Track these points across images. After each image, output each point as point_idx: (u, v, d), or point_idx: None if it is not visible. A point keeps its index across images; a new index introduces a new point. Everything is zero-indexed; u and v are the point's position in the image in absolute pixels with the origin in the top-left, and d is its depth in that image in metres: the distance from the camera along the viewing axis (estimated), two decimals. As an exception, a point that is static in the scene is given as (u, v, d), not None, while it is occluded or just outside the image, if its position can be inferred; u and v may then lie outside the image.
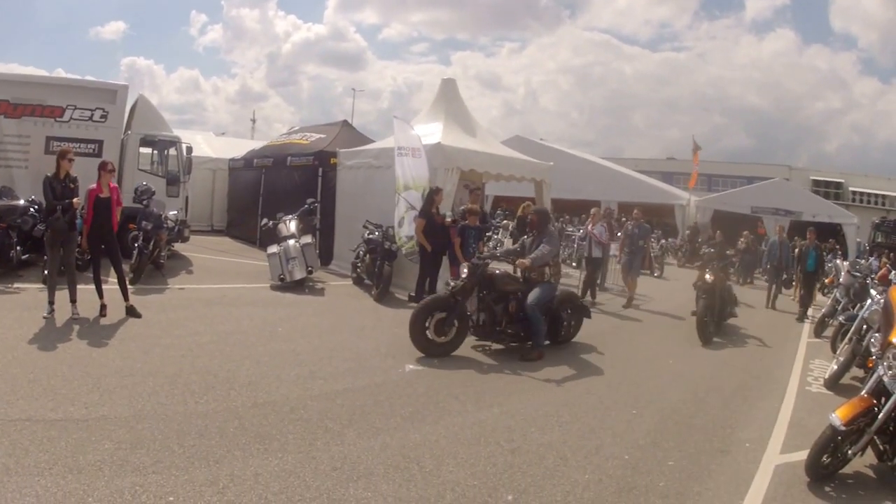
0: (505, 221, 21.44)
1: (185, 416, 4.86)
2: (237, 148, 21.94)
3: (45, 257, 7.94)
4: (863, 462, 4.94)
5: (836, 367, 7.74)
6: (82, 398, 4.97)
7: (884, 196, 43.06)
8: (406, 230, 10.40)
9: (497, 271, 7.67)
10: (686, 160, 35.48)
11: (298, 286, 10.87)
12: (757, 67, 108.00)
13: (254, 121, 61.87)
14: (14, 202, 10.03)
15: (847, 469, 4.84)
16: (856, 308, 9.24)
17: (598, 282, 14.83)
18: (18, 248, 9.56)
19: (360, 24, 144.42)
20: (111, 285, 7.91)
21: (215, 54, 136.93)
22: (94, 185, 7.70)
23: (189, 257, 13.45)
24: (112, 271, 7.91)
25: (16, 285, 8.76)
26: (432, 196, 9.90)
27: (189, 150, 14.64)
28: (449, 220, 10.06)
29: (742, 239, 19.49)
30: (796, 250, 13.83)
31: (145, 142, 14.05)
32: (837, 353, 8.32)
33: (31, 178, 11.43)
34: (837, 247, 24.59)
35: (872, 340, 6.57)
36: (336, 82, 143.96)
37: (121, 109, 13.38)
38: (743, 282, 19.22)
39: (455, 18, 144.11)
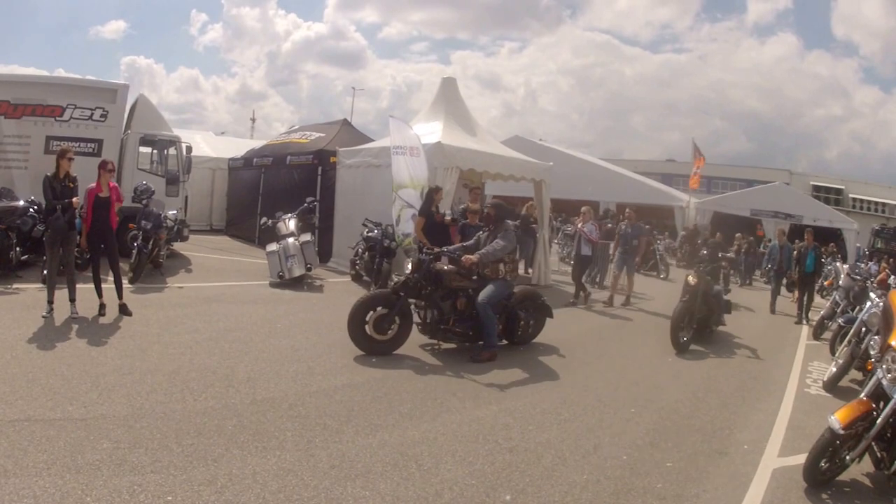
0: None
1: (184, 414, 4.86)
2: (237, 147, 21.96)
3: (45, 257, 7.93)
4: (860, 469, 4.92)
5: (834, 369, 7.75)
6: (81, 397, 4.96)
7: (884, 204, 43.05)
8: (403, 227, 10.41)
9: (446, 267, 7.35)
10: (686, 162, 35.50)
11: (297, 283, 10.88)
12: (758, 71, 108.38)
13: (253, 120, 61.97)
14: (13, 203, 10.03)
15: (844, 476, 4.82)
16: (855, 311, 9.24)
17: (598, 280, 14.88)
18: (18, 248, 9.55)
19: (360, 23, 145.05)
20: (110, 284, 7.90)
21: (215, 53, 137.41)
22: (93, 185, 7.71)
23: (188, 256, 13.45)
24: (110, 270, 7.91)
25: (15, 286, 8.75)
26: (432, 195, 9.90)
27: (189, 149, 14.64)
28: (448, 218, 10.05)
29: (736, 241, 19.52)
30: (795, 252, 13.78)
31: (145, 141, 14.05)
32: (836, 355, 8.33)
33: (30, 178, 11.42)
34: (836, 250, 24.59)
35: (871, 343, 6.58)
36: (336, 81, 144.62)
37: (121, 109, 13.39)
38: (742, 283, 19.26)
39: (455, 18, 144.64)
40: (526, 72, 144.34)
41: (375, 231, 10.89)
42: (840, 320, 9.09)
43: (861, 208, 42.85)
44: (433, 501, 3.93)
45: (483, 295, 7.19)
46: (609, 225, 16.02)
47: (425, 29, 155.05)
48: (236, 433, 4.59)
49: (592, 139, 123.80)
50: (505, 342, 7.83)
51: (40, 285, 8.49)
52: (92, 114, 12.77)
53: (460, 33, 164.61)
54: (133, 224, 10.59)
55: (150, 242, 10.40)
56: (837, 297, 10.77)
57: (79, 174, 7.75)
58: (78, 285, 7.60)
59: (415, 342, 7.39)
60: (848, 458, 4.66)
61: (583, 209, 12.65)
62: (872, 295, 8.20)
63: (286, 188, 15.28)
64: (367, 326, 6.87)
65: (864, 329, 7.66)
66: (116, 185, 8.12)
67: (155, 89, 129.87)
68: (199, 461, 4.11)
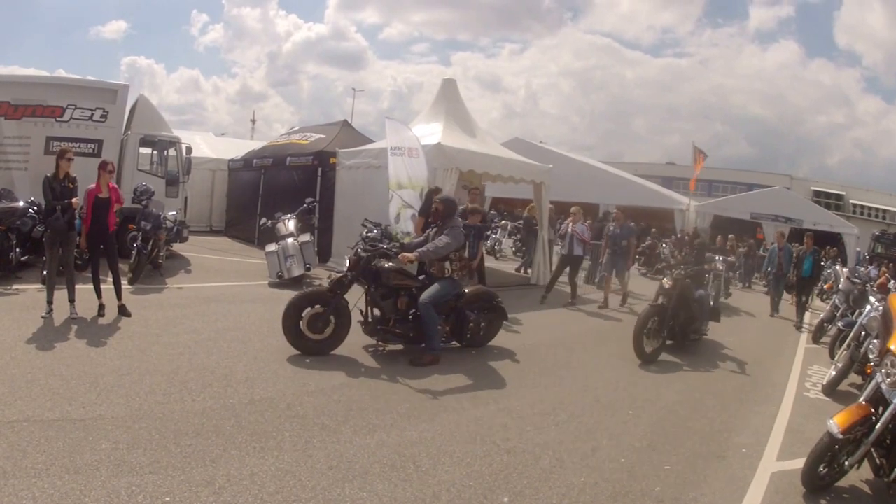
0: (504, 222, 21.49)
1: (182, 414, 4.86)
2: (237, 148, 21.96)
3: (44, 258, 7.93)
4: (859, 476, 4.92)
5: (834, 373, 7.75)
6: (80, 398, 4.96)
7: (884, 210, 43.09)
8: (403, 226, 10.42)
9: (386, 264, 6.97)
10: (686, 166, 35.48)
11: (296, 283, 10.87)
12: (759, 77, 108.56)
13: (253, 121, 62.08)
14: (13, 204, 10.02)
15: (843, 483, 4.82)
16: (854, 314, 9.25)
17: (596, 280, 14.90)
18: (18, 249, 9.55)
19: (361, 24, 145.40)
20: (109, 285, 7.90)
21: (216, 54, 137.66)
22: (93, 186, 7.71)
23: (188, 257, 13.45)
24: (109, 271, 7.91)
25: (15, 287, 8.75)
26: (431, 196, 9.90)
27: (189, 150, 14.65)
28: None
29: (729, 243, 19.49)
30: (795, 255, 13.73)
31: (145, 142, 14.05)
32: (836, 359, 8.34)
33: (30, 179, 11.42)
34: (837, 254, 24.60)
35: (871, 347, 6.57)
36: (336, 82, 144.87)
37: (121, 109, 13.39)
38: (742, 286, 19.28)
39: (456, 19, 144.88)
40: (527, 74, 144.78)
41: (375, 231, 10.85)
42: (839, 324, 9.10)
43: (861, 214, 42.88)
44: (431, 503, 3.93)
45: (425, 294, 6.91)
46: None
47: (426, 30, 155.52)
48: (234, 434, 4.59)
49: (593, 142, 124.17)
50: (456, 344, 7.59)
51: (40, 286, 8.49)
52: (92, 114, 12.77)
53: (461, 34, 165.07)
54: (133, 225, 10.60)
55: (150, 243, 10.40)
56: (837, 301, 10.76)
57: (79, 175, 7.75)
58: (77, 286, 7.60)
59: (360, 342, 7.17)
60: (847, 463, 4.65)
61: (573, 209, 12.52)
62: (872, 299, 8.21)
63: (286, 189, 15.28)
64: (301, 325, 6.63)
65: (863, 333, 7.67)
66: (116, 186, 8.12)
67: (155, 90, 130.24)
68: (198, 462, 4.11)
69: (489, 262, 13.80)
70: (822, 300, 17.16)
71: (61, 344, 6.39)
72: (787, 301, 15.18)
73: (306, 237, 11.46)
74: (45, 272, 7.87)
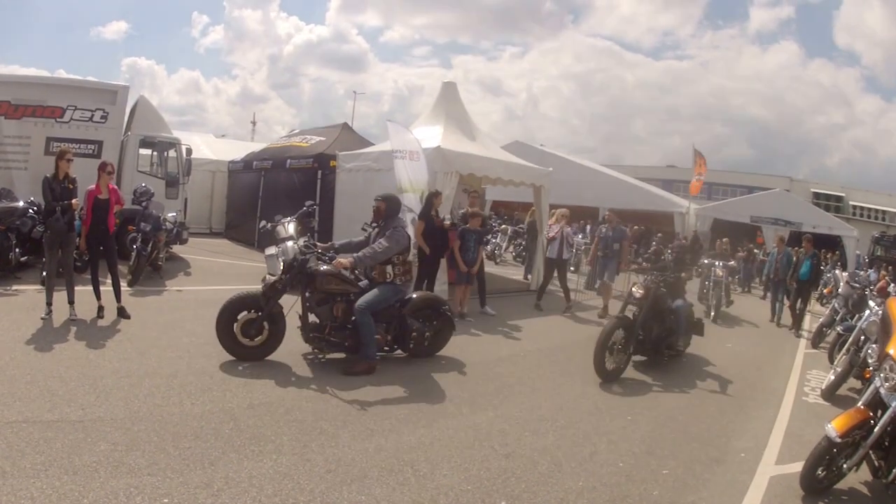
0: (504, 226, 21.49)
1: (181, 417, 4.87)
2: (237, 150, 21.97)
3: (44, 258, 7.94)
4: (858, 478, 4.93)
5: (833, 377, 7.74)
6: (79, 399, 4.97)
7: (884, 211, 43.10)
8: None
9: (322, 268, 6.63)
10: (686, 168, 35.50)
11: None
12: (760, 79, 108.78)
13: (254, 123, 62.03)
14: (13, 204, 10.03)
15: (842, 485, 4.83)
16: (854, 319, 9.25)
17: (597, 286, 14.84)
18: (17, 249, 9.56)
19: (363, 27, 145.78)
20: (108, 287, 7.91)
21: (216, 55, 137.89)
22: (92, 187, 7.72)
23: (187, 259, 13.45)
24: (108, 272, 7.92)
25: (14, 287, 8.76)
26: (431, 199, 9.91)
27: (189, 151, 14.67)
28: (448, 223, 10.05)
29: (724, 247, 19.47)
30: (794, 259, 13.59)
31: (145, 143, 14.08)
32: (835, 363, 8.34)
33: (30, 179, 11.42)
34: (838, 259, 24.63)
35: (870, 352, 6.58)
36: (337, 85, 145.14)
37: (121, 110, 13.41)
38: (741, 290, 19.27)
39: (457, 22, 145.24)
40: (527, 77, 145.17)
41: (374, 236, 10.89)
42: (839, 328, 9.11)
43: (861, 215, 42.90)
44: (429, 507, 3.92)
45: (362, 299, 6.54)
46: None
47: (427, 33, 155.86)
48: (233, 437, 4.60)
49: (594, 144, 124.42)
50: (400, 353, 7.19)
51: (39, 287, 8.49)
52: (92, 115, 12.79)
53: (462, 37, 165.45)
54: (132, 226, 10.59)
55: (150, 245, 10.39)
56: (836, 305, 10.76)
57: (78, 176, 7.75)
58: (77, 287, 7.60)
59: (299, 349, 6.87)
60: (845, 466, 4.66)
61: (560, 211, 12.27)
62: (871, 303, 8.21)
63: (286, 191, 15.29)
64: (235, 330, 6.39)
65: (862, 337, 7.67)
66: (116, 187, 8.13)
67: (156, 91, 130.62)
68: (196, 464, 4.11)
69: (489, 268, 13.76)
70: (822, 304, 17.16)
71: (60, 345, 6.39)
72: (788, 306, 15.16)
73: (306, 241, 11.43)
74: (44, 273, 7.88)
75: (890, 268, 21.12)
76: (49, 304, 7.29)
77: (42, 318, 7.15)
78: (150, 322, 7.70)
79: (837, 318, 10.27)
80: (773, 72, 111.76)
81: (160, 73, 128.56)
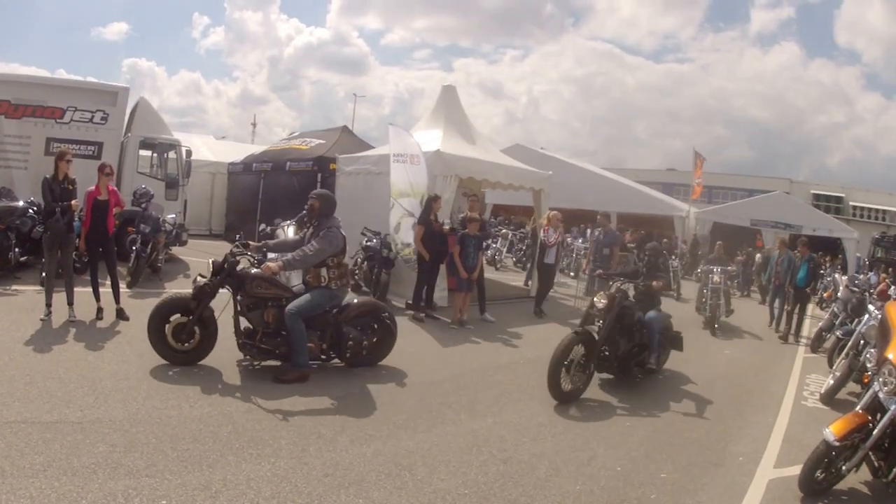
0: (504, 231, 21.45)
1: (180, 419, 4.87)
2: (237, 152, 21.93)
3: (44, 259, 7.94)
4: (857, 478, 4.94)
5: (832, 381, 7.74)
6: (78, 401, 4.98)
7: (884, 211, 43.08)
8: (403, 236, 10.39)
9: (253, 270, 6.30)
10: (687, 171, 35.48)
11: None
12: (761, 80, 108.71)
13: (254, 125, 61.97)
14: (13, 203, 10.05)
15: (842, 485, 4.84)
16: (853, 323, 9.24)
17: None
18: (17, 249, 9.57)
19: (363, 29, 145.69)
20: (107, 288, 7.91)
21: (217, 57, 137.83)
22: (92, 188, 7.72)
23: (186, 261, 13.46)
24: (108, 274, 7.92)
25: (14, 287, 8.76)
26: (430, 203, 9.89)
27: (188, 153, 14.69)
28: (447, 228, 10.04)
29: (717, 252, 19.34)
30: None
31: (145, 144, 14.11)
32: (834, 367, 8.32)
33: (30, 179, 11.46)
34: (839, 264, 24.60)
35: (868, 356, 6.57)
36: (338, 87, 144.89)
37: (121, 111, 13.45)
38: (741, 294, 19.19)
39: (458, 25, 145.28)
40: (528, 80, 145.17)
41: (374, 241, 10.87)
42: (838, 332, 9.09)
43: (861, 216, 42.88)
44: (427, 510, 3.93)
45: (293, 304, 6.20)
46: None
47: (428, 36, 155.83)
48: (231, 440, 4.61)
49: (595, 147, 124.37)
50: (338, 362, 6.76)
51: (39, 287, 8.48)
52: (92, 116, 12.83)
53: (463, 41, 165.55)
54: (132, 227, 10.60)
55: (149, 246, 10.40)
56: (836, 309, 10.74)
57: (78, 177, 7.76)
58: (76, 289, 7.60)
59: (237, 354, 6.48)
60: (844, 468, 4.69)
61: (551, 213, 12.09)
62: (871, 307, 8.19)
63: (285, 194, 15.28)
64: (166, 333, 6.13)
65: (862, 341, 7.67)
66: (116, 189, 8.13)
67: (156, 92, 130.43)
68: (194, 466, 4.13)
69: (489, 274, 13.76)
70: (822, 308, 17.13)
71: (59, 347, 6.40)
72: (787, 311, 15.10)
73: (305, 244, 11.43)
74: (43, 274, 7.88)
75: (890, 270, 21.09)
76: (48, 305, 7.30)
77: (41, 320, 7.16)
78: (149, 324, 7.68)
79: (837, 323, 10.23)
80: (774, 73, 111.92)
81: (161, 75, 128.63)
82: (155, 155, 14.89)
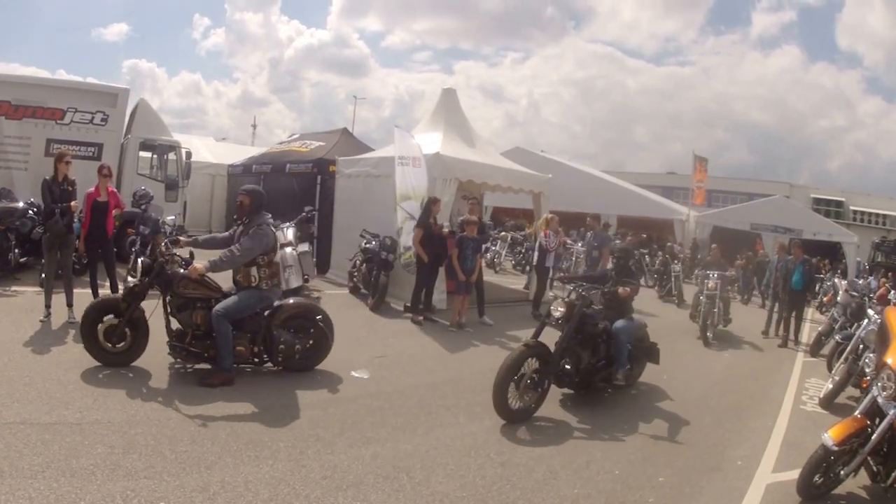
0: (503, 234, 21.44)
1: (178, 421, 4.88)
2: (237, 154, 21.94)
3: (43, 261, 7.94)
4: (856, 483, 4.93)
5: (831, 386, 7.73)
6: (77, 402, 4.99)
7: (884, 216, 43.05)
8: (406, 240, 10.40)
9: (182, 270, 6.02)
10: (686, 175, 35.50)
11: (294, 294, 10.81)
12: (761, 84, 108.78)
13: (254, 126, 61.90)
14: (13, 204, 10.05)
15: (840, 489, 4.84)
16: (853, 327, 9.24)
17: None
18: (17, 250, 9.57)
19: (364, 31, 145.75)
20: (106, 289, 7.91)
21: (217, 58, 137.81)
22: (92, 189, 7.74)
23: (187, 262, 13.41)
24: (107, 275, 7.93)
25: (13, 288, 8.77)
26: (430, 206, 9.90)
27: (188, 155, 14.71)
28: (446, 230, 10.04)
29: (711, 253, 19.21)
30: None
31: (145, 146, 14.13)
32: (833, 371, 8.32)
33: (30, 179, 11.46)
34: (831, 267, 24.60)
35: (867, 361, 6.58)
36: (338, 89, 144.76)
37: (121, 113, 13.44)
38: (741, 299, 19.11)
39: (459, 27, 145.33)
40: (529, 82, 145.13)
41: (373, 243, 10.87)
42: (837, 337, 9.09)
43: (862, 221, 42.85)
44: (424, 513, 3.93)
45: (220, 305, 5.95)
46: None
47: (428, 38, 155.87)
48: (229, 442, 4.61)
49: (595, 150, 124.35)
50: (272, 366, 6.47)
51: (38, 289, 8.48)
52: (92, 117, 12.82)
53: (463, 43, 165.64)
54: (131, 229, 10.61)
55: (148, 248, 10.39)
56: (835, 314, 10.74)
57: (78, 178, 7.77)
58: (75, 290, 7.60)
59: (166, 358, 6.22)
60: (842, 472, 4.68)
61: (548, 216, 11.97)
62: (870, 311, 8.20)
63: (285, 196, 15.24)
64: (99, 334, 5.92)
65: (861, 346, 7.67)
66: (115, 190, 8.15)
67: (157, 93, 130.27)
68: (193, 468, 4.13)
69: (488, 277, 13.75)
70: (822, 313, 17.11)
71: (58, 348, 6.41)
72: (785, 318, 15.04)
73: (305, 247, 11.41)
74: (43, 275, 7.88)
75: (890, 274, 21.03)
76: (48, 306, 7.31)
77: (41, 321, 7.17)
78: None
79: (836, 327, 10.23)
80: (775, 76, 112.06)
81: (161, 76, 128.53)
82: (155, 156, 14.90)
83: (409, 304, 10.21)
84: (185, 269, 6.00)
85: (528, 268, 16.31)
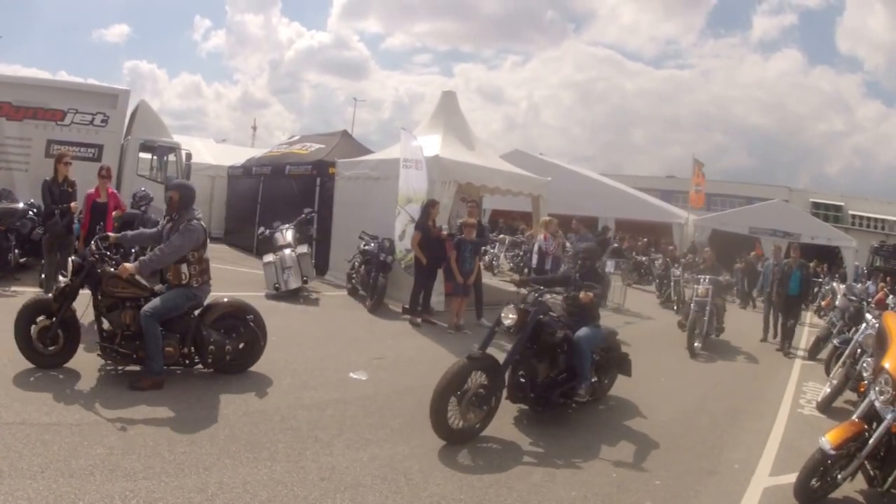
0: (501, 236, 21.45)
1: (177, 422, 4.89)
2: (237, 155, 21.99)
3: (43, 261, 7.94)
4: (853, 487, 4.95)
5: (829, 390, 7.76)
6: (76, 403, 4.99)
7: (883, 220, 43.16)
8: (406, 243, 10.43)
9: (111, 269, 5.74)
10: (685, 179, 35.56)
11: (293, 296, 10.87)
12: (761, 87, 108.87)
13: (254, 128, 61.98)
14: (13, 205, 10.07)
15: (837, 494, 4.86)
16: (851, 331, 9.26)
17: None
18: (16, 251, 9.58)
19: (364, 33, 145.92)
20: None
21: (218, 60, 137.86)
22: (92, 190, 7.76)
23: (186, 264, 13.41)
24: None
25: (13, 288, 8.76)
26: (428, 209, 9.92)
27: (188, 156, 14.79)
28: (445, 233, 10.06)
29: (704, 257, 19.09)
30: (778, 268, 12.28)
31: (145, 147, 14.21)
32: (831, 375, 8.34)
33: (30, 180, 11.49)
34: (828, 271, 24.65)
35: (865, 365, 6.60)
36: (338, 91, 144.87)
37: (122, 114, 13.52)
38: (744, 305, 19.01)
39: (459, 30, 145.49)
40: (528, 85, 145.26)
41: (372, 245, 10.90)
42: (835, 341, 9.11)
43: (860, 225, 42.94)
44: (422, 515, 3.94)
45: (148, 305, 5.70)
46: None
47: (429, 41, 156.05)
48: (228, 443, 4.62)
49: (593, 153, 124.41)
50: (203, 368, 6.18)
51: (38, 289, 8.47)
52: (93, 119, 12.89)
53: (463, 46, 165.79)
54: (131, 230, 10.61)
55: (148, 249, 10.41)
56: (834, 318, 10.76)
57: (78, 179, 7.79)
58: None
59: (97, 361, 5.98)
60: (840, 476, 4.71)
61: (546, 219, 11.91)
62: (868, 316, 8.23)
63: (285, 198, 15.31)
64: (32, 335, 5.75)
65: (859, 350, 7.70)
66: (116, 191, 8.17)
67: (157, 94, 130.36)
68: (191, 469, 4.14)
69: (486, 279, 13.73)
70: (820, 317, 17.13)
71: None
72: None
73: (304, 248, 11.46)
74: (42, 276, 7.89)
75: (888, 279, 21.08)
76: (47, 307, 7.29)
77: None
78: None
79: (834, 331, 10.24)
80: (775, 79, 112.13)
81: (161, 77, 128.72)
82: (155, 158, 14.96)
83: (407, 306, 10.23)
84: (115, 269, 5.76)
85: (525, 270, 16.30)
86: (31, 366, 5.63)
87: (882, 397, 4.60)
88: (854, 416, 4.89)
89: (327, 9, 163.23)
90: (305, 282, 11.12)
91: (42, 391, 5.19)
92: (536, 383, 5.78)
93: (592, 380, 6.27)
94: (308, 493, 4.01)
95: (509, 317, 5.63)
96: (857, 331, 8.36)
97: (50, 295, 6.02)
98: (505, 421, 5.74)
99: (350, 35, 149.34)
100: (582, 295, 6.02)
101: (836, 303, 11.12)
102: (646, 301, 16.72)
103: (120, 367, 5.92)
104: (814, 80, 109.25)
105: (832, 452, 4.51)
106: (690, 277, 12.72)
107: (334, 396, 5.99)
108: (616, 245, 17.49)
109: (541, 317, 5.81)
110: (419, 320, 9.80)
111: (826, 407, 7.56)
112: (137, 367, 5.76)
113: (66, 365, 5.78)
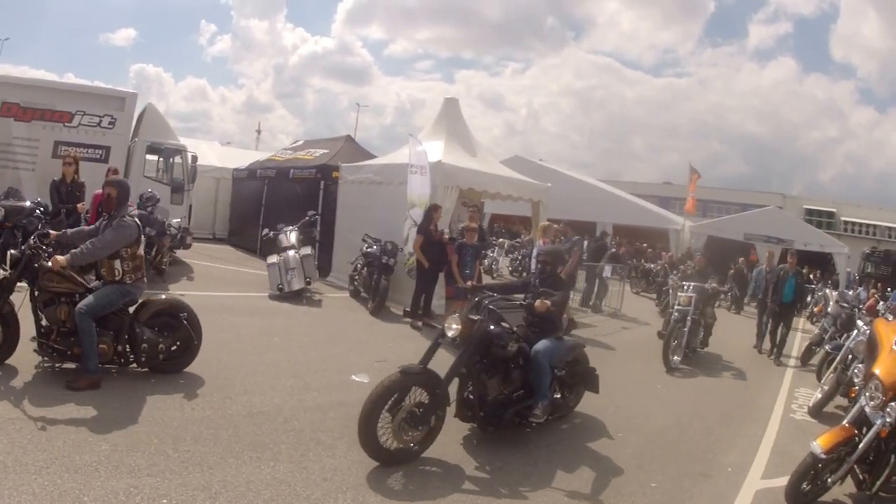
0: (500, 240, 21.49)
1: (181, 421, 4.95)
2: (241, 158, 22.05)
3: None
4: (842, 490, 5.03)
5: (820, 395, 7.84)
6: (81, 399, 5.05)
7: (875, 226, 43.25)
8: (409, 247, 10.52)
9: (48, 264, 5.52)
10: (682, 185, 35.64)
11: (296, 297, 10.94)
12: (757, 95, 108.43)
13: (259, 131, 62.10)
14: (20, 203, 10.13)
15: (827, 497, 4.93)
16: (842, 338, 9.34)
17: (591, 303, 14.82)
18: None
19: (367, 39, 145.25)
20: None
21: (223, 64, 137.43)
22: (99, 191, 7.83)
23: (190, 264, 13.48)
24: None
25: (19, 285, 8.80)
26: (430, 213, 10.00)
27: (194, 158, 14.87)
28: (446, 237, 10.14)
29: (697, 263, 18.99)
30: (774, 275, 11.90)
31: (152, 149, 14.29)
32: (822, 381, 8.43)
33: (37, 180, 11.59)
34: (821, 278, 24.71)
35: (856, 371, 6.68)
36: (341, 96, 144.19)
37: (129, 116, 13.62)
38: (738, 310, 19.05)
39: (461, 37, 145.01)
40: (528, 92, 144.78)
41: (374, 247, 10.98)
42: (827, 347, 9.20)
43: (853, 231, 43.02)
44: (421, 516, 3.99)
45: (83, 302, 5.54)
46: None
47: (431, 47, 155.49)
48: (232, 443, 4.68)
49: (592, 159, 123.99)
50: (138, 367, 5.95)
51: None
52: (100, 121, 12.98)
53: (465, 52, 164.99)
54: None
55: (154, 249, 10.52)
56: (825, 324, 10.82)
57: (86, 180, 7.86)
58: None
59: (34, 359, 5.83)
60: (830, 480, 4.78)
61: (545, 224, 11.65)
62: (860, 322, 8.31)
63: (289, 201, 15.38)
64: None
65: (850, 356, 7.78)
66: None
67: (163, 97, 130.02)
68: (195, 467, 4.21)
69: (486, 282, 13.78)
70: (812, 323, 17.18)
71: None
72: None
73: (307, 250, 11.53)
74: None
75: (880, 285, 21.13)
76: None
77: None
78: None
79: (826, 337, 10.29)
80: (770, 87, 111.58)
81: (167, 80, 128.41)
82: (161, 160, 15.04)
83: (408, 309, 10.31)
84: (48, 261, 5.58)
85: (524, 274, 16.37)
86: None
87: (872, 403, 4.68)
88: (845, 421, 4.96)
89: (332, 15, 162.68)
90: (308, 283, 11.20)
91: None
92: (486, 401, 5.23)
93: (555, 396, 5.78)
94: (310, 493, 4.08)
95: (452, 327, 5.13)
96: (848, 337, 8.44)
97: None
98: (454, 439, 5.34)
99: (353, 41, 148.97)
100: (538, 303, 5.44)
101: (829, 309, 11.17)
102: (647, 308, 16.77)
103: (57, 364, 5.78)
104: (808, 87, 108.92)
105: (823, 456, 4.59)
106: (675, 283, 12.34)
107: (336, 398, 6.03)
108: (614, 250, 17.51)
109: (490, 327, 5.21)
110: (420, 324, 9.86)
111: (817, 412, 7.64)
112: (73, 365, 5.62)
113: (7, 361, 5.64)
